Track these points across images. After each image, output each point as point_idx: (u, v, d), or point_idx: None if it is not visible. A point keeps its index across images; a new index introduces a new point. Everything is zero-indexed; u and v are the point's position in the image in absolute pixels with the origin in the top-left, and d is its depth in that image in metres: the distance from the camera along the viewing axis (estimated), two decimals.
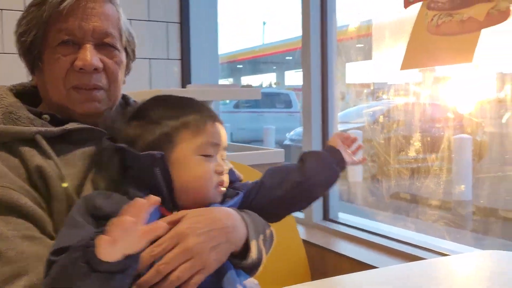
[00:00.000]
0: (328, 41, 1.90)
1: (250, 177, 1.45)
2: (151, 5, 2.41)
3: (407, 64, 1.58)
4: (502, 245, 3.94)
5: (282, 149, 1.79)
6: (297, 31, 2.03)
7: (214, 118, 0.85)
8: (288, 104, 10.64)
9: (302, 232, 1.84)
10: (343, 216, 1.97)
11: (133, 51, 1.00)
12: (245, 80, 18.09)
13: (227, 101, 10.79)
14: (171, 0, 2.45)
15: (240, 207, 0.88)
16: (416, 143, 6.61)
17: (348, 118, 7.91)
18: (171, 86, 2.44)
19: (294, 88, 13.99)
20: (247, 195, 0.91)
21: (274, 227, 0.93)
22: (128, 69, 1.01)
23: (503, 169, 6.11)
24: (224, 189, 0.85)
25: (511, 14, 1.30)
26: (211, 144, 0.82)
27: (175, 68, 2.47)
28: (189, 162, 0.79)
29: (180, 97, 0.89)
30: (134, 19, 2.41)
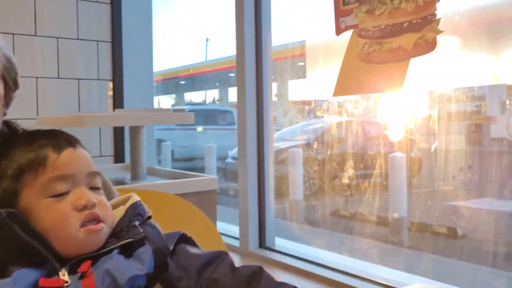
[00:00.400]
0: (263, 60, 1.88)
1: (178, 208, 1.38)
2: (81, 23, 2.30)
3: (339, 90, 1.58)
4: (435, 261, 4.07)
5: (216, 176, 1.73)
6: None
7: (60, 146, 0.71)
8: (231, 121, 10.62)
9: (237, 260, 1.77)
10: (280, 243, 1.93)
11: (14, 79, 0.86)
12: (188, 96, 17.91)
13: None
14: (102, 18, 2.34)
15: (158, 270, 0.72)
16: (354, 161, 6.78)
17: (291, 136, 7.99)
18: (101, 109, 2.32)
19: None
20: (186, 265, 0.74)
21: None
22: (9, 99, 0.87)
23: (436, 184, 6.37)
24: (100, 224, 0.69)
25: (437, 45, 1.33)
26: (59, 179, 0.68)
27: (107, 89, 2.36)
28: (38, 210, 0.67)
29: (32, 132, 0.76)
30: (62, 38, 2.29)
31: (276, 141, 8.00)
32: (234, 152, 7.53)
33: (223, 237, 2.06)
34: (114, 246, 0.69)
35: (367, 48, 1.48)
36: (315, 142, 7.41)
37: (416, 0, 1.36)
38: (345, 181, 6.44)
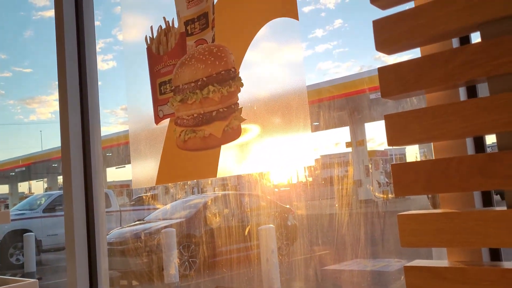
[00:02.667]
0: (91, 149, 1.82)
1: None
2: None
3: (161, 179, 1.57)
4: None
5: (36, 280, 1.58)
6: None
7: None
8: (107, 204, 10.13)
9: None
10: None
11: None
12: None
13: (37, 205, 9.80)
14: None
15: None
16: (233, 234, 6.76)
17: (171, 213, 7.78)
18: None
19: (116, 185, 13.49)
20: None
21: None
22: None
23: (310, 251, 6.56)
24: None
25: (242, 132, 1.39)
26: None
27: None
28: None
29: None
30: None
31: (155, 220, 7.74)
32: (109, 235, 7.09)
33: None
34: None
35: (183, 136, 1.51)
36: (195, 218, 7.29)
37: (221, 91, 1.42)
38: (225, 256, 6.36)
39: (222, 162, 1.42)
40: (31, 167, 15.54)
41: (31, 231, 8.35)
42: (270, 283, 4.90)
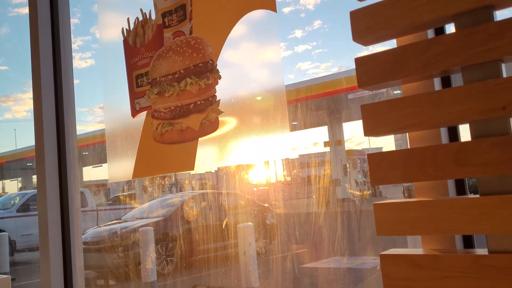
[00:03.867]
0: (66, 147, 1.78)
1: None
2: None
3: (137, 172, 1.55)
4: None
5: (8, 276, 1.54)
6: None
7: None
8: (83, 203, 9.97)
9: None
10: None
11: None
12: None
13: (10, 204, 9.59)
14: None
15: None
16: (211, 233, 6.73)
17: (147, 213, 7.71)
18: None
19: (93, 185, 13.30)
20: None
21: None
22: None
23: (288, 249, 6.58)
24: None
25: (219, 125, 1.38)
26: None
27: None
28: None
29: None
30: None
31: (132, 219, 7.65)
32: (86, 234, 6.99)
33: None
34: None
35: (160, 129, 1.49)
36: (173, 217, 7.24)
37: (199, 83, 1.41)
38: (203, 254, 6.33)
39: (199, 155, 1.41)
40: (4, 166, 15.22)
41: (4, 231, 8.16)
42: (248, 276, 4.90)
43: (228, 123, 1.37)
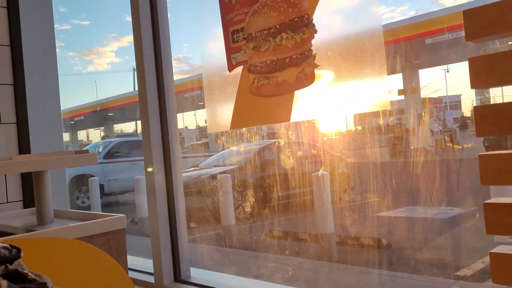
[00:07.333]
0: (165, 91, 1.93)
1: (82, 253, 1.37)
2: None
3: (235, 123, 1.65)
4: (362, 273, 4.23)
5: (123, 215, 1.74)
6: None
7: None
8: None
9: None
10: (196, 274, 1.95)
11: None
12: (118, 127, 17.60)
13: (96, 152, 10.33)
14: (3, 60, 2.29)
15: None
16: (286, 181, 6.92)
17: (224, 160, 8.01)
18: (11, 153, 2.25)
19: None
20: None
21: None
22: None
23: (362, 198, 6.63)
24: None
25: (316, 78, 1.43)
26: None
27: (12, 133, 2.29)
28: None
29: None
30: None
31: (209, 166, 8.01)
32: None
33: (138, 274, 2.05)
34: None
35: (257, 83, 1.57)
36: (248, 165, 7.49)
37: (294, 38, 1.46)
38: (277, 200, 6.55)
39: (295, 108, 1.49)
40: (88, 116, 16.22)
41: (93, 176, 8.88)
42: (323, 223, 5.05)
43: (324, 76, 1.42)
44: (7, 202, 2.24)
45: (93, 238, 1.65)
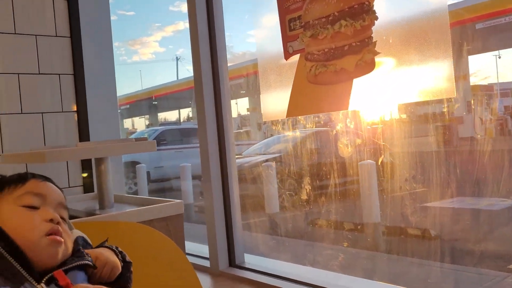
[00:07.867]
0: (220, 78, 1.96)
1: (144, 236, 1.43)
2: (41, 58, 2.33)
3: (291, 112, 1.66)
4: (411, 264, 4.16)
5: (181, 201, 1.78)
6: None
7: (39, 178, 0.86)
8: None
9: (207, 281, 1.82)
10: (250, 260, 1.98)
11: None
12: (162, 116, 17.94)
13: None
14: (63, 51, 2.38)
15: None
16: (329, 170, 6.88)
17: (265, 149, 8.05)
18: (69, 141, 2.35)
19: None
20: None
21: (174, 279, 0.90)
22: None
23: (409, 188, 6.51)
24: (62, 239, 0.79)
25: (376, 66, 1.42)
26: (34, 194, 0.81)
27: (72, 121, 2.39)
28: (12, 215, 0.78)
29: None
30: (23, 73, 2.32)
31: (251, 155, 8.06)
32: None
33: (194, 258, 2.11)
34: (76, 263, 0.79)
35: (314, 71, 1.57)
36: (290, 154, 7.49)
37: (354, 25, 1.45)
38: (321, 189, 6.52)
39: (354, 95, 1.48)
40: (133, 105, 16.61)
41: (140, 163, 9.11)
42: (369, 212, 5.00)
43: (384, 63, 1.40)
44: (69, 187, 2.34)
45: (153, 223, 1.71)
